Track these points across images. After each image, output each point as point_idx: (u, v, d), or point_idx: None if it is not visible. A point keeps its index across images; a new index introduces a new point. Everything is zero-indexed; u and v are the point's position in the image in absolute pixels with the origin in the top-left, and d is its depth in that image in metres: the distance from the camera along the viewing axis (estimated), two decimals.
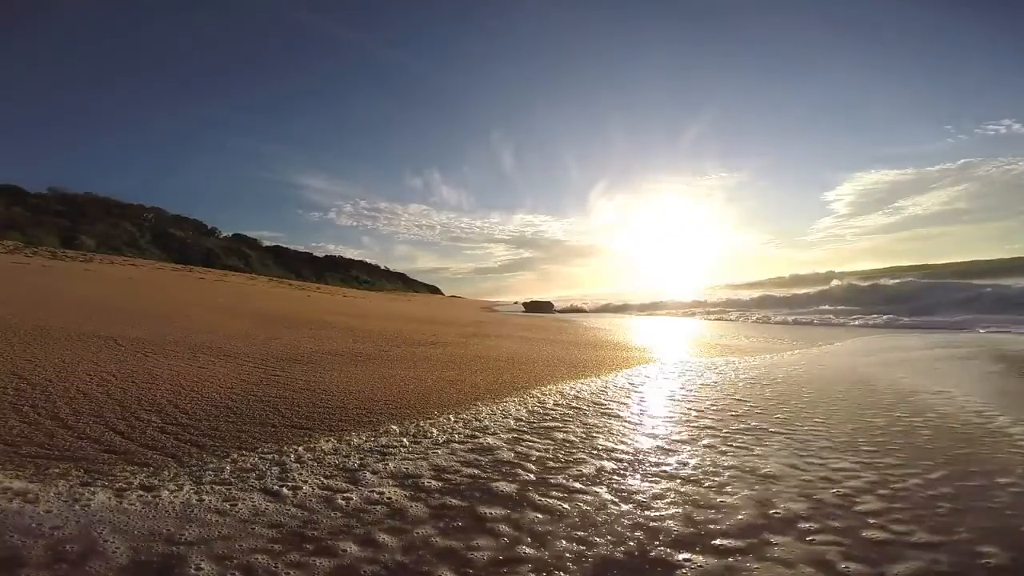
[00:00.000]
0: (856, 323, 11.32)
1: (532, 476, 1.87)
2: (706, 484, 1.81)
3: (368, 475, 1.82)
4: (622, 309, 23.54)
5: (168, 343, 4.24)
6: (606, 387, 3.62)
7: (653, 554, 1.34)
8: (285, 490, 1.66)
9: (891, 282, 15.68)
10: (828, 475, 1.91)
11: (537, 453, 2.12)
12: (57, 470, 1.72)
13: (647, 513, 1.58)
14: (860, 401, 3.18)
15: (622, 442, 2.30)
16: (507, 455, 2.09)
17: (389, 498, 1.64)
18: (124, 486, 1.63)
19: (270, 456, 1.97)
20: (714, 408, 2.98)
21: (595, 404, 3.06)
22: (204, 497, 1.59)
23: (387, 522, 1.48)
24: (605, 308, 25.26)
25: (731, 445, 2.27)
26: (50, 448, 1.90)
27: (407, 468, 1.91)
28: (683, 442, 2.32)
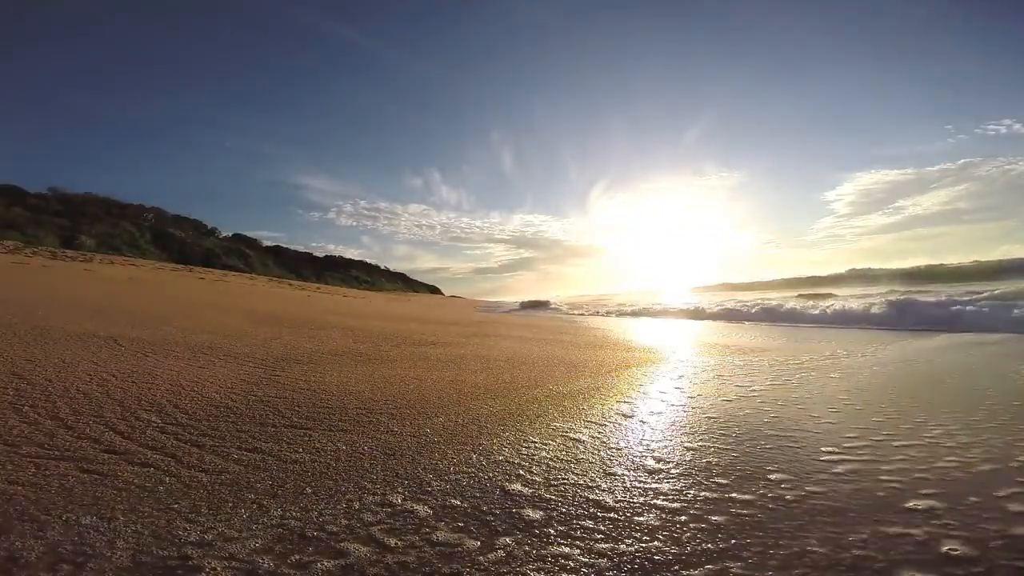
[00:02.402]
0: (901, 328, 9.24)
1: (537, 477, 1.86)
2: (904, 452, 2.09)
3: (370, 474, 1.82)
4: (615, 311, 23.22)
5: (168, 343, 4.23)
6: (615, 384, 3.61)
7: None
8: (285, 490, 1.66)
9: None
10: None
11: (541, 454, 2.12)
12: (57, 470, 1.72)
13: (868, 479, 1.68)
14: (976, 392, 3.34)
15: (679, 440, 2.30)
16: (510, 455, 2.09)
17: (391, 499, 1.63)
18: (124, 486, 1.63)
19: (271, 456, 1.96)
20: (821, 403, 2.98)
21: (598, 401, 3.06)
22: (206, 497, 1.58)
23: (389, 522, 1.48)
24: (602, 309, 25.16)
25: (891, 432, 2.42)
26: (50, 448, 1.90)
27: (407, 468, 1.90)
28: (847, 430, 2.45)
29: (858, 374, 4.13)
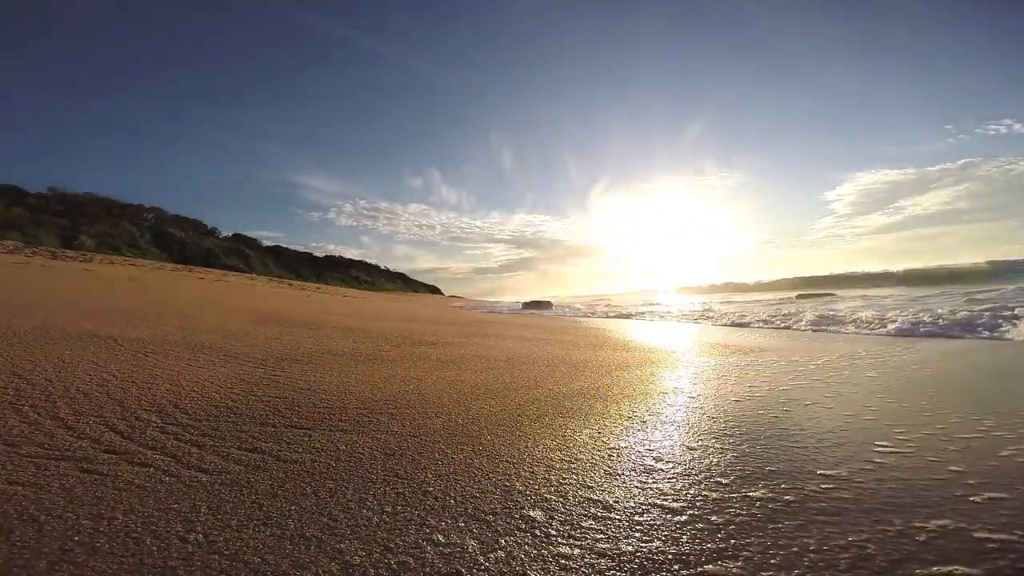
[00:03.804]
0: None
1: (537, 477, 1.86)
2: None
3: (370, 474, 1.82)
4: (615, 312, 23.07)
5: (168, 343, 4.23)
6: (616, 381, 3.61)
7: None
8: (285, 490, 1.66)
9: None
10: None
11: (541, 454, 2.12)
12: (57, 470, 1.71)
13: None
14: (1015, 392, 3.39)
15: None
16: (510, 455, 2.08)
17: (391, 499, 1.63)
18: (124, 486, 1.63)
19: (271, 456, 1.96)
20: (859, 401, 2.98)
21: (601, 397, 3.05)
22: (206, 497, 1.58)
23: (390, 522, 1.48)
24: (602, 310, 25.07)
25: (949, 429, 2.45)
26: (50, 448, 1.90)
27: (407, 468, 1.90)
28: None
29: (894, 375, 4.06)
